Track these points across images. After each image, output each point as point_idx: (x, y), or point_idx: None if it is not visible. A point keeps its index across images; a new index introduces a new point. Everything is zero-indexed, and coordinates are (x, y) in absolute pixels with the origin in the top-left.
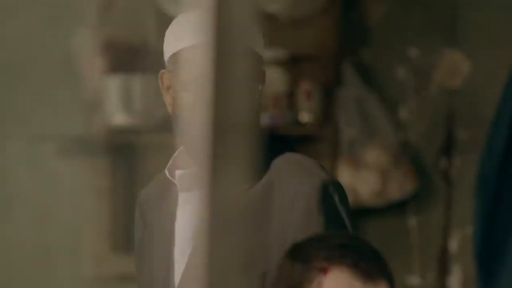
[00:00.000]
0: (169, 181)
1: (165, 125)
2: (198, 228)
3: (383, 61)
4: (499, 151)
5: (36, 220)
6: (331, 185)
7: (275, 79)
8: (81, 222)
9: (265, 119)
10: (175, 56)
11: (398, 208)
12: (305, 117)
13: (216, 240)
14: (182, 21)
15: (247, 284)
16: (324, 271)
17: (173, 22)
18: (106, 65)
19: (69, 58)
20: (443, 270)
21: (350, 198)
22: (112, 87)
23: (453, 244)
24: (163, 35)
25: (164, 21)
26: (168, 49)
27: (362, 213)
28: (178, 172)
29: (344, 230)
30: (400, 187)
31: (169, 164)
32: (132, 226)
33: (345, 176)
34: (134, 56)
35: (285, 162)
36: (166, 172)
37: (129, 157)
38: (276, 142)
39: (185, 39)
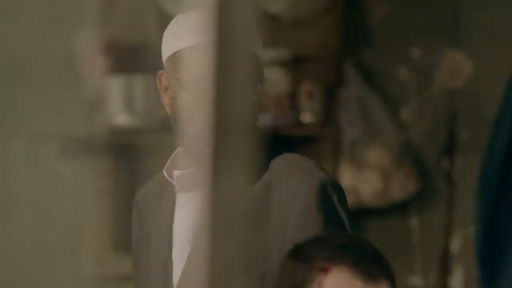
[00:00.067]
0: (167, 181)
1: (167, 126)
2: (199, 228)
3: (385, 61)
4: (501, 151)
5: (37, 220)
6: (330, 185)
7: (277, 80)
8: (82, 222)
9: (267, 120)
10: (174, 56)
11: (400, 208)
12: (307, 117)
13: (218, 240)
14: (181, 21)
15: (248, 284)
16: (325, 271)
17: (172, 23)
18: (107, 65)
19: (71, 58)
20: (445, 270)
21: (352, 199)
22: (114, 87)
23: (455, 244)
24: None
25: (166, 21)
26: (167, 50)
27: (364, 213)
28: (176, 173)
29: (343, 230)
30: (402, 187)
31: (167, 164)
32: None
33: (347, 176)
34: (136, 56)
35: (284, 163)
36: (164, 172)
37: (131, 157)
38: (277, 143)
39: (185, 39)
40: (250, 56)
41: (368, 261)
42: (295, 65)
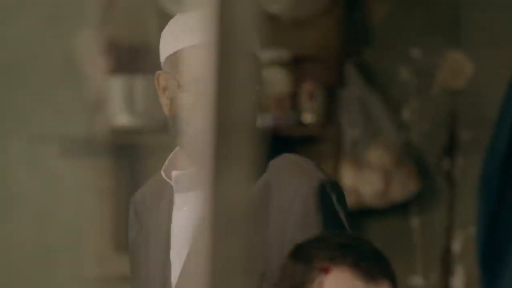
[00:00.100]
0: (165, 182)
1: (168, 126)
2: (200, 228)
3: (386, 62)
4: (502, 152)
5: (38, 220)
6: (328, 185)
7: (278, 80)
8: (83, 222)
9: (268, 120)
10: (172, 56)
11: (401, 208)
12: (307, 117)
13: (219, 240)
14: (179, 22)
15: (249, 284)
16: (325, 271)
17: (170, 23)
18: (108, 65)
19: (71, 59)
20: (446, 271)
21: (353, 199)
22: (114, 88)
23: (456, 245)
24: None
25: (166, 21)
26: (165, 50)
27: (365, 213)
28: (174, 173)
29: (342, 229)
30: (402, 187)
31: (165, 165)
32: None
33: (347, 176)
34: (136, 56)
35: (283, 163)
36: (162, 173)
37: (132, 158)
38: (277, 143)
39: (184, 39)
40: (250, 56)
41: (368, 261)
42: (296, 65)
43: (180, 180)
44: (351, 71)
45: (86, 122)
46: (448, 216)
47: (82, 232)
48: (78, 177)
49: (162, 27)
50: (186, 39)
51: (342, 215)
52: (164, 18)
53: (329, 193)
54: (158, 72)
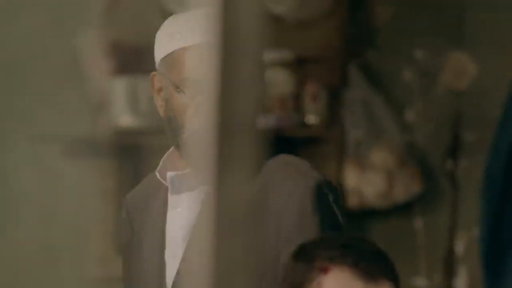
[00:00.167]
0: (159, 183)
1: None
2: (202, 228)
3: (390, 63)
4: (505, 152)
5: (41, 220)
6: (325, 185)
7: (281, 81)
8: (86, 223)
9: (271, 121)
10: (167, 57)
11: (404, 209)
12: (311, 118)
13: (222, 240)
14: (174, 22)
15: (251, 284)
16: (324, 271)
17: (164, 24)
18: (111, 66)
19: (75, 59)
20: (449, 272)
21: (356, 200)
22: (118, 88)
23: (460, 246)
24: None
25: None
26: (160, 51)
27: (368, 214)
28: (170, 174)
29: (338, 230)
30: (406, 188)
31: (159, 165)
32: None
33: (351, 177)
34: (140, 57)
35: (279, 164)
36: (157, 174)
37: (135, 159)
38: (281, 144)
39: (180, 40)
40: (254, 56)
41: (369, 261)
42: (299, 66)
43: (176, 181)
44: (355, 72)
45: (89, 122)
46: (452, 217)
47: (84, 232)
48: (81, 177)
49: None
50: (182, 39)
51: (339, 215)
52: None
53: (325, 193)
54: (153, 73)
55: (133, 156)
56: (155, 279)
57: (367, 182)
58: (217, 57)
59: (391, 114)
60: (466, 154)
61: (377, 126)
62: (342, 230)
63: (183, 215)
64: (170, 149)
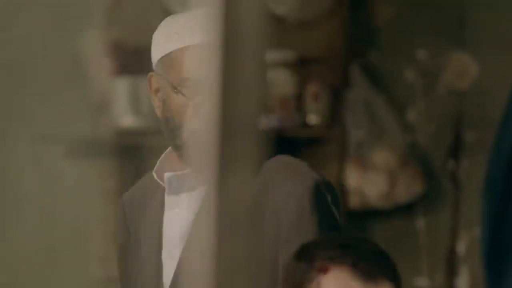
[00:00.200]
0: (156, 183)
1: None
2: (203, 229)
3: (391, 63)
4: (507, 152)
5: (42, 220)
6: (323, 185)
7: (283, 81)
8: (88, 223)
9: (273, 121)
10: (165, 58)
11: (406, 210)
12: (312, 119)
13: (224, 241)
14: (171, 23)
15: (253, 285)
16: (324, 271)
17: (161, 25)
18: (113, 66)
19: (77, 59)
20: (451, 272)
21: (358, 200)
22: (120, 89)
23: (461, 246)
24: None
25: None
26: (157, 52)
27: (370, 214)
28: (167, 175)
29: (337, 230)
30: (408, 189)
31: (156, 166)
32: None
33: (352, 177)
34: (142, 57)
35: (277, 164)
36: (154, 174)
37: (137, 159)
38: (282, 144)
39: (178, 40)
40: (255, 57)
41: (368, 261)
42: (301, 66)
43: (173, 181)
44: (356, 73)
45: (91, 123)
46: (453, 217)
47: (85, 233)
48: (83, 178)
49: None
50: (179, 40)
51: (337, 216)
52: None
53: (324, 193)
54: (150, 73)
55: (134, 156)
56: (152, 280)
57: (368, 182)
58: (218, 57)
59: (393, 114)
60: (467, 154)
61: (379, 126)
62: (340, 230)
63: (181, 215)
64: (167, 150)
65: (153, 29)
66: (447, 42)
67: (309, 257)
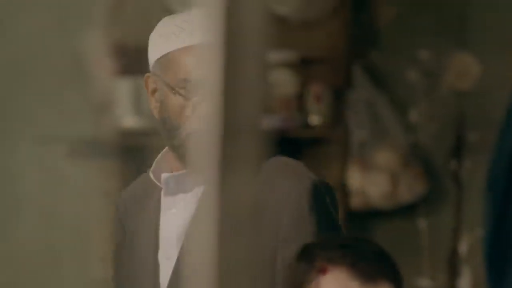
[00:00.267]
0: (152, 184)
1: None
2: (205, 229)
3: (393, 63)
4: (508, 152)
5: (44, 221)
6: (321, 186)
7: (285, 82)
8: (90, 223)
9: (275, 122)
10: (162, 59)
11: (408, 210)
12: (315, 119)
13: (225, 241)
14: (168, 24)
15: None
16: (323, 271)
17: (158, 25)
18: (115, 66)
19: (79, 60)
20: (453, 272)
21: (360, 200)
22: (122, 89)
23: (463, 246)
24: None
25: None
26: (155, 52)
27: (372, 215)
28: (164, 175)
29: (336, 230)
30: (410, 189)
31: (153, 166)
32: None
33: (355, 178)
34: (144, 57)
35: (275, 165)
36: (151, 175)
37: (139, 159)
38: (284, 144)
39: (176, 41)
40: (257, 57)
41: (368, 262)
42: (303, 67)
43: (171, 182)
44: (359, 73)
45: (93, 123)
46: (455, 217)
47: (87, 233)
48: (85, 178)
49: None
50: (177, 41)
51: (335, 216)
52: None
53: (322, 194)
54: (147, 74)
55: (136, 157)
56: (149, 280)
57: (371, 183)
58: (220, 57)
59: (395, 115)
60: (469, 154)
61: (381, 127)
62: (339, 230)
63: (178, 216)
64: (164, 150)
65: None
66: (449, 43)
67: (309, 257)
